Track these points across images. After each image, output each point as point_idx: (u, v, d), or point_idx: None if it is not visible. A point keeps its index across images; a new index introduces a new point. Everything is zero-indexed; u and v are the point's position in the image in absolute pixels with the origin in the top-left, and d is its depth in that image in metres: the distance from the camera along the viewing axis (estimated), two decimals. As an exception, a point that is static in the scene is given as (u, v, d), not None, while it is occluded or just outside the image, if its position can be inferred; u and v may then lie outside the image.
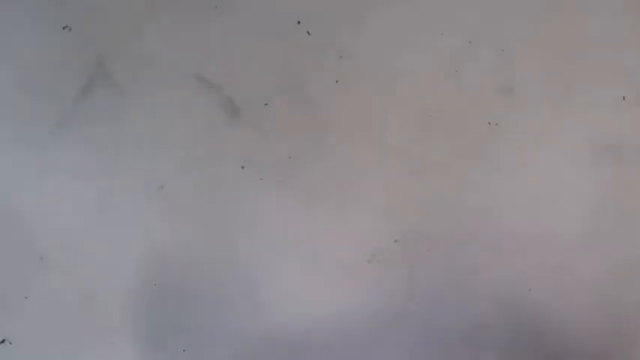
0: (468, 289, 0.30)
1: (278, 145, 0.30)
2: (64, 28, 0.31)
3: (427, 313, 0.30)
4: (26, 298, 0.30)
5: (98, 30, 0.31)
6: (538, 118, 0.29)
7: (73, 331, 0.30)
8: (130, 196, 0.30)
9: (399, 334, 0.30)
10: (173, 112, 0.30)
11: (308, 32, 0.30)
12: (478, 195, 0.30)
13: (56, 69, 0.31)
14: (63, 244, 0.30)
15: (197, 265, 0.30)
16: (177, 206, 0.30)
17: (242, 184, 0.30)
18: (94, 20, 0.31)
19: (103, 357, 0.30)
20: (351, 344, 0.29)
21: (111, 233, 0.30)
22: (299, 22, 0.30)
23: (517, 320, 0.30)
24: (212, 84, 0.30)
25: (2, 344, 0.30)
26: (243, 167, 0.30)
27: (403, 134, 0.30)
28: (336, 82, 0.30)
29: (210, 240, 0.30)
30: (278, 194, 0.30)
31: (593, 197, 0.30)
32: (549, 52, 0.29)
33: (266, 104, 0.29)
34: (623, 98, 0.29)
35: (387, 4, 0.30)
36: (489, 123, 0.30)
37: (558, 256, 0.30)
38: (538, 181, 0.30)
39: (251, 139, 0.30)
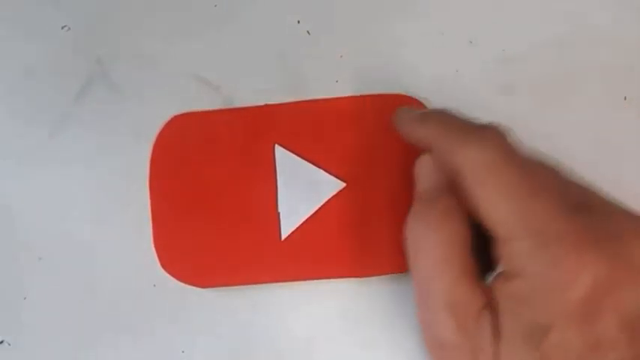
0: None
1: (278, 145, 0.30)
2: (62, 27, 0.31)
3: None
4: (25, 298, 0.30)
5: (98, 30, 0.31)
6: (539, 118, 0.29)
7: (72, 333, 0.30)
8: (130, 197, 0.30)
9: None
10: (173, 112, 0.30)
11: (308, 32, 0.30)
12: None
13: (55, 69, 0.31)
14: (62, 245, 0.30)
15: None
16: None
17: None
18: (93, 20, 0.31)
19: (103, 358, 0.30)
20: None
21: (111, 234, 0.30)
22: (299, 22, 0.30)
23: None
24: (212, 84, 0.30)
25: (1, 345, 0.30)
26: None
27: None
28: (336, 81, 0.30)
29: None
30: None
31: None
32: (550, 51, 0.29)
33: (266, 104, 0.29)
34: (625, 98, 0.29)
35: (387, 4, 0.30)
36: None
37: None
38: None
39: (251, 139, 0.30)
